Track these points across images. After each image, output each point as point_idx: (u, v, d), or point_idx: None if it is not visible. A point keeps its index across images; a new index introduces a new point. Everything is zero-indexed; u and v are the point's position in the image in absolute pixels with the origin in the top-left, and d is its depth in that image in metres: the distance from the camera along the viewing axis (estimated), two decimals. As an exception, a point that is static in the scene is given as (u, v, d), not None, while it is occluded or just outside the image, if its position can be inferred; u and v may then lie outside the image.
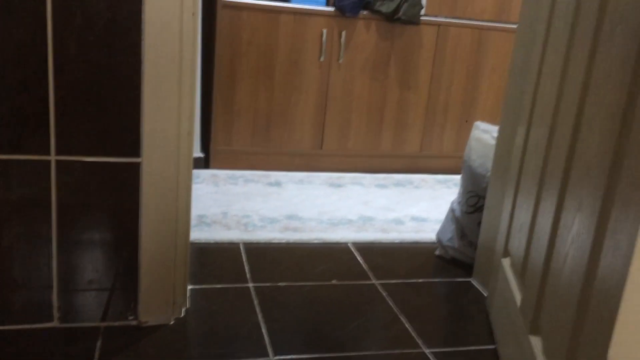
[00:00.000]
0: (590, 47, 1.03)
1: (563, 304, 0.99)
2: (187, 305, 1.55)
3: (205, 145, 2.79)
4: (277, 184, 2.61)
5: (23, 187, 1.30)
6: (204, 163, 2.75)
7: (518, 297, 1.34)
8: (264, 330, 1.47)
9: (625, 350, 0.77)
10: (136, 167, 1.35)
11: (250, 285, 1.69)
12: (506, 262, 1.53)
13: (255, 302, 1.60)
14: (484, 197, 1.86)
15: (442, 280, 1.86)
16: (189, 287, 1.63)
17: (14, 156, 1.27)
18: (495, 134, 1.83)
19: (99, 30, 1.26)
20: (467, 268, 1.93)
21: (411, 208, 2.46)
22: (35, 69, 1.24)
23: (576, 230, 0.97)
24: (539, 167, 1.29)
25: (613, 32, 0.92)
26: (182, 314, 1.50)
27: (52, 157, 1.30)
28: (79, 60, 1.26)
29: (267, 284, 1.71)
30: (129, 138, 1.32)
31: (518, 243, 1.40)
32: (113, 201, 1.36)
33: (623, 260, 0.77)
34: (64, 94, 1.27)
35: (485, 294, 1.78)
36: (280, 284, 1.72)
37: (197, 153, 2.75)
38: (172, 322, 1.47)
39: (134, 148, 1.33)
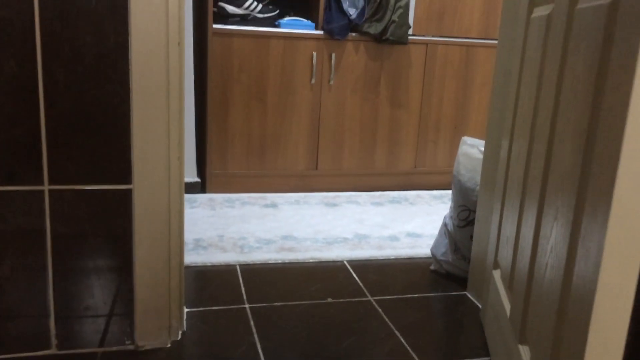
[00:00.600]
0: (559, 62, 1.06)
1: (545, 312, 1.01)
2: (184, 328, 1.56)
3: (201, 170, 2.83)
4: (273, 205, 2.64)
5: (18, 217, 1.33)
6: (200, 188, 2.79)
7: (508, 307, 1.36)
8: (259, 350, 1.49)
9: (600, 355, 0.79)
10: (128, 194, 1.38)
11: (247, 306, 1.71)
12: (496, 274, 1.55)
13: (252, 322, 1.62)
14: (474, 211, 1.88)
15: (437, 294, 1.88)
16: (186, 310, 1.65)
17: (8, 187, 1.31)
18: (482, 148, 1.87)
19: (88, 62, 1.30)
20: (461, 282, 1.95)
21: (406, 224, 2.49)
22: (26, 101, 1.28)
23: (554, 239, 1.00)
24: (521, 179, 1.32)
25: (578, 48, 0.96)
26: (179, 337, 1.52)
27: (46, 187, 1.33)
28: (68, 92, 1.30)
29: (263, 304, 1.73)
30: (119, 165, 1.36)
31: (506, 254, 1.43)
32: (106, 228, 1.39)
33: (593, 268, 0.79)
34: (55, 125, 1.30)
35: (480, 307, 1.79)
36: (275, 303, 1.74)
37: (194, 178, 2.79)
38: (169, 345, 1.49)
39: (125, 175, 1.36)
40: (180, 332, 1.53)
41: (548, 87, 1.14)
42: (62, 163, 1.33)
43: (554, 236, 0.99)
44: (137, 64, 1.32)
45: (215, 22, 2.64)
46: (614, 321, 0.77)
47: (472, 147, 1.92)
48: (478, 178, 1.87)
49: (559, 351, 0.93)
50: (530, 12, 1.40)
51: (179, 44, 1.35)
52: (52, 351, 1.43)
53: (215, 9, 2.66)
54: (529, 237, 1.18)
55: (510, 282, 1.36)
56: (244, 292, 1.80)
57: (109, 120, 1.33)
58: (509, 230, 1.41)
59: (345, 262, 2.07)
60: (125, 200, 1.38)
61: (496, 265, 1.57)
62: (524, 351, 1.18)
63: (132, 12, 1.29)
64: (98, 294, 1.43)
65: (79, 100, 1.31)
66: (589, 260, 0.81)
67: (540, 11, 1.28)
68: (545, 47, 1.19)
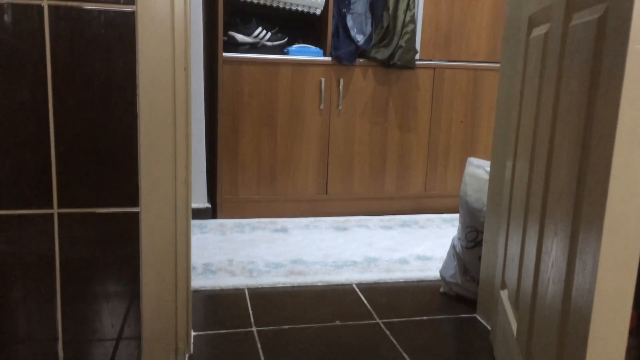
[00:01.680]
0: (555, 79, 1.08)
1: (548, 326, 1.01)
2: (191, 352, 1.57)
3: (212, 196, 2.85)
4: (283, 230, 2.65)
5: (27, 240, 1.36)
6: (211, 213, 2.81)
7: (514, 326, 1.35)
8: (266, 373, 1.49)
9: (600, 367, 0.79)
10: (135, 217, 1.40)
11: (254, 329, 1.71)
12: (504, 294, 1.54)
13: (259, 345, 1.62)
14: (482, 232, 1.88)
15: (447, 317, 1.86)
16: (193, 333, 1.66)
17: (19, 211, 1.34)
18: (488, 169, 1.87)
19: (97, 89, 1.33)
20: (471, 304, 1.94)
21: (416, 247, 2.48)
22: (37, 127, 1.31)
23: (555, 254, 1.00)
24: (524, 198, 1.32)
25: (572, 63, 0.97)
26: (186, 360, 1.53)
27: (55, 210, 1.36)
28: (78, 117, 1.33)
29: (271, 328, 1.72)
30: (127, 188, 1.38)
31: (512, 274, 1.42)
32: (114, 251, 1.41)
33: (590, 279, 0.79)
34: (65, 150, 1.34)
35: (490, 329, 1.77)
36: (283, 326, 1.74)
37: (204, 203, 2.81)
38: (175, 369, 1.49)
39: (132, 198, 1.39)
40: (187, 356, 1.54)
41: (546, 105, 1.15)
42: (71, 187, 1.36)
43: (555, 251, 0.99)
44: (145, 90, 1.35)
45: (226, 50, 2.69)
46: (612, 331, 0.76)
47: (478, 168, 1.92)
48: (485, 199, 1.87)
49: (562, 367, 0.93)
50: (529, 32, 1.41)
51: (185, 69, 1.38)
52: (61, 374, 1.44)
53: (225, 38, 2.72)
54: (532, 253, 1.18)
55: (516, 301, 1.35)
56: (251, 315, 1.80)
57: (117, 144, 1.36)
58: (514, 249, 1.41)
59: (354, 285, 2.06)
60: (132, 223, 1.40)
61: (503, 286, 1.56)
62: (531, 370, 1.16)
63: (139, 40, 1.33)
64: (106, 317, 1.45)
65: (88, 125, 1.34)
66: (586, 271, 0.81)
67: (538, 31, 1.30)
68: (543, 66, 1.20)
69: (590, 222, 0.81)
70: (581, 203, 0.86)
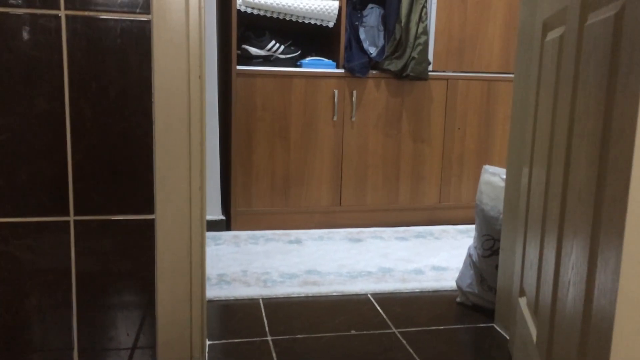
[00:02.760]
0: (572, 80, 1.07)
1: (569, 330, 0.99)
2: (206, 361, 1.56)
3: (226, 208, 2.86)
4: (297, 241, 2.64)
5: (44, 247, 1.36)
6: (225, 225, 2.81)
7: (534, 333, 1.33)
8: (281, 382, 1.47)
9: (625, 367, 0.77)
10: (150, 224, 1.40)
11: (269, 338, 1.70)
12: (522, 302, 1.52)
13: (274, 354, 1.61)
14: (499, 240, 1.86)
15: (464, 326, 1.84)
16: (208, 342, 1.65)
17: (35, 218, 1.35)
18: (504, 176, 1.85)
19: (113, 97, 1.35)
20: (489, 313, 1.91)
21: (431, 258, 2.46)
22: (54, 135, 1.33)
23: (575, 256, 0.98)
24: (542, 202, 1.31)
25: (589, 63, 0.96)
26: (201, 369, 1.52)
27: (71, 218, 1.36)
28: (94, 126, 1.35)
29: (286, 337, 1.71)
30: (142, 196, 1.39)
31: (530, 280, 1.40)
32: (130, 258, 1.41)
33: (612, 277, 0.77)
34: (81, 157, 1.35)
35: (508, 338, 1.74)
36: (298, 336, 1.72)
37: (219, 216, 2.81)
38: (190, 378, 1.48)
39: (148, 205, 1.39)
40: (202, 364, 1.53)
41: (562, 107, 1.14)
42: (88, 194, 1.37)
43: (575, 252, 0.98)
44: (160, 98, 1.37)
45: (239, 63, 2.71)
46: (637, 329, 0.75)
47: (494, 176, 1.91)
48: (501, 206, 1.85)
49: (585, 370, 0.91)
50: (544, 36, 1.41)
51: (199, 77, 1.39)
52: (76, 383, 1.43)
53: (238, 52, 2.74)
54: (552, 257, 1.16)
55: (535, 307, 1.33)
56: (266, 324, 1.79)
57: (133, 152, 1.37)
58: (532, 254, 1.39)
59: (369, 295, 2.04)
60: (148, 230, 1.41)
61: (522, 293, 1.54)
62: (552, 377, 1.14)
63: (154, 49, 1.35)
64: (121, 325, 1.45)
65: (105, 133, 1.35)
66: (608, 270, 0.79)
67: (553, 34, 1.29)
68: (559, 68, 1.19)
69: (611, 219, 0.79)
70: (601, 202, 0.85)
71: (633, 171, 0.74)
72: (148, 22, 1.34)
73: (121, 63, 1.34)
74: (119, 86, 1.35)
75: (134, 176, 1.38)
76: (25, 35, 1.29)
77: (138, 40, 1.34)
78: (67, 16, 1.30)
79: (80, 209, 1.36)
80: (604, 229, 0.82)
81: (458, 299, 2.01)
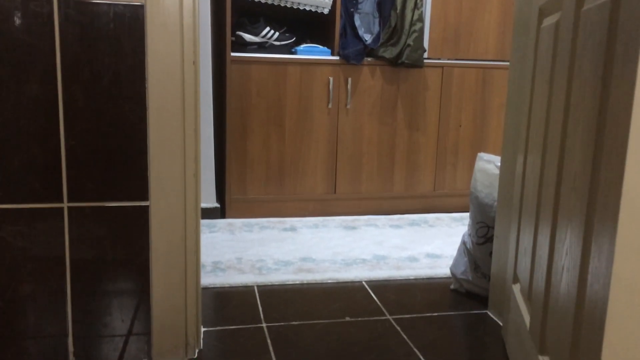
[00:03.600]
0: (568, 67, 1.07)
1: (563, 317, 0.99)
2: (201, 347, 1.56)
3: (220, 196, 2.85)
4: (292, 229, 2.64)
5: (37, 234, 1.36)
6: (220, 213, 2.81)
7: (527, 319, 1.33)
8: (276, 368, 1.48)
9: (617, 355, 0.77)
10: (145, 210, 1.40)
11: (264, 325, 1.71)
12: (516, 288, 1.52)
13: (269, 340, 1.61)
14: (493, 227, 1.86)
15: (458, 313, 1.85)
16: (203, 329, 1.65)
17: (28, 205, 1.34)
18: (499, 163, 1.86)
19: (106, 83, 1.34)
20: (482, 300, 1.92)
21: (426, 246, 2.46)
22: (47, 121, 1.32)
23: (568, 241, 0.98)
24: (536, 189, 1.31)
25: (585, 49, 0.96)
26: (196, 355, 1.52)
27: (65, 204, 1.36)
28: (87, 111, 1.34)
29: (280, 323, 1.72)
30: (137, 182, 1.38)
31: (524, 267, 1.41)
32: (124, 245, 1.41)
33: (606, 263, 0.78)
34: (75, 143, 1.34)
35: (501, 324, 1.76)
36: (293, 322, 1.73)
37: (213, 203, 2.81)
38: (185, 364, 1.49)
39: (142, 192, 1.39)
40: (197, 351, 1.53)
41: (558, 94, 1.14)
42: (81, 181, 1.36)
43: (569, 238, 0.98)
44: (154, 83, 1.36)
45: (234, 50, 2.70)
46: (630, 313, 0.75)
47: (489, 163, 1.91)
48: (495, 194, 1.86)
49: (577, 355, 0.91)
50: (540, 23, 1.40)
51: (193, 62, 1.38)
52: (71, 369, 1.43)
53: (233, 38, 2.72)
54: (545, 243, 1.16)
55: (529, 293, 1.34)
56: (261, 311, 1.79)
57: (127, 138, 1.36)
58: (526, 241, 1.40)
59: (364, 283, 2.05)
60: (142, 217, 1.40)
61: (515, 280, 1.55)
62: (545, 362, 1.15)
63: (148, 34, 1.34)
64: (116, 312, 1.44)
65: (98, 119, 1.34)
66: (602, 255, 0.80)
67: (549, 20, 1.29)
68: (555, 54, 1.19)
69: (605, 205, 0.79)
70: (596, 188, 0.85)
71: (628, 158, 0.74)
72: (141, 7, 1.32)
73: (114, 48, 1.33)
74: (113, 71, 1.34)
75: (128, 162, 1.37)
76: (17, 20, 1.27)
77: (131, 25, 1.33)
78: (59, 0, 1.28)
79: (73, 195, 1.36)
80: (598, 215, 0.83)
81: (452, 286, 2.02)
